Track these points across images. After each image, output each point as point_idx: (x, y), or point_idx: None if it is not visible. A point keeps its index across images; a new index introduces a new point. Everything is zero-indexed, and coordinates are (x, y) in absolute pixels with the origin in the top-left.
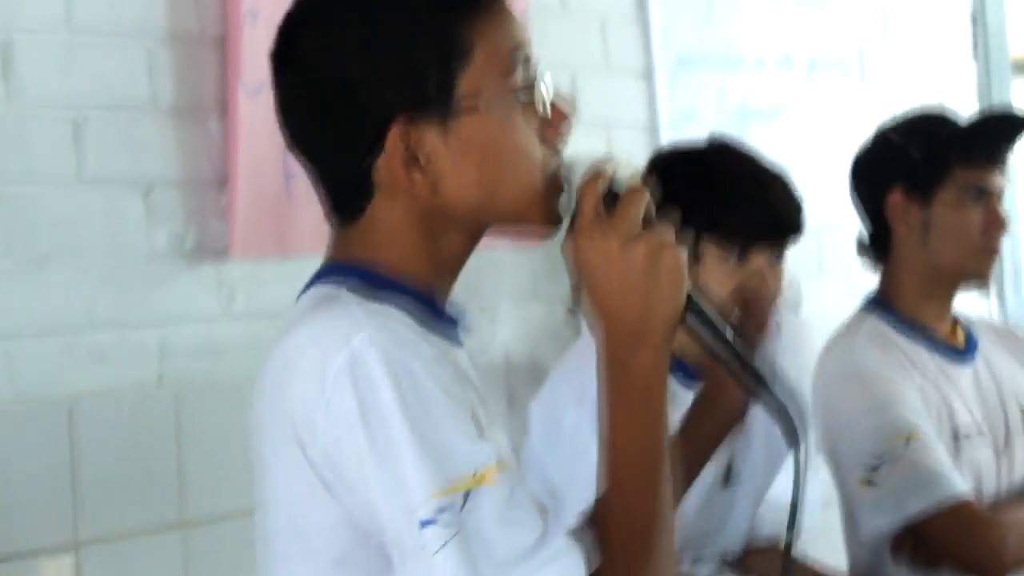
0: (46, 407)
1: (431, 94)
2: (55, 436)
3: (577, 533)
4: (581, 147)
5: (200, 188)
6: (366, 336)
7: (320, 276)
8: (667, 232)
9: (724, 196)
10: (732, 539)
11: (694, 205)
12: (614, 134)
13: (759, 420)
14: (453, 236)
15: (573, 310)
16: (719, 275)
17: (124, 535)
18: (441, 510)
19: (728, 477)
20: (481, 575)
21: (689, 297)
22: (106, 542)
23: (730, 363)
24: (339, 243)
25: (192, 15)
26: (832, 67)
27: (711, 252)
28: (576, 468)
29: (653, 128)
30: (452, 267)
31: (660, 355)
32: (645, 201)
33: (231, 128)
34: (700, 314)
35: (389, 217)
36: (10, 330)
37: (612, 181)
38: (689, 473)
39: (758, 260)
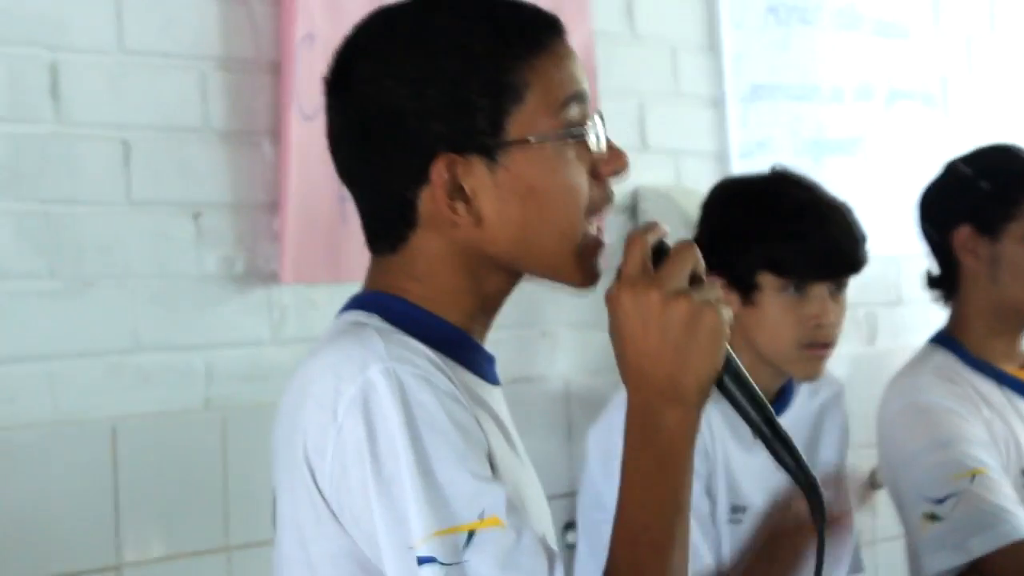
0: (89, 428)
1: (481, 128)
2: (98, 458)
3: None
4: (649, 177)
5: (251, 212)
6: (382, 367)
7: (354, 303)
8: (712, 292)
9: (782, 229)
10: None
11: (752, 237)
12: (683, 163)
13: (825, 459)
14: (493, 276)
15: None
16: (777, 307)
17: (167, 558)
18: (441, 549)
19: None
20: None
21: (728, 360)
22: (148, 565)
23: (762, 430)
24: (378, 271)
25: (247, 39)
26: (914, 98)
27: (769, 283)
28: None
29: (723, 157)
30: (490, 306)
31: (691, 415)
32: (694, 260)
33: (284, 152)
34: (737, 378)
35: (430, 249)
36: (54, 351)
37: (662, 237)
38: None
39: (818, 291)
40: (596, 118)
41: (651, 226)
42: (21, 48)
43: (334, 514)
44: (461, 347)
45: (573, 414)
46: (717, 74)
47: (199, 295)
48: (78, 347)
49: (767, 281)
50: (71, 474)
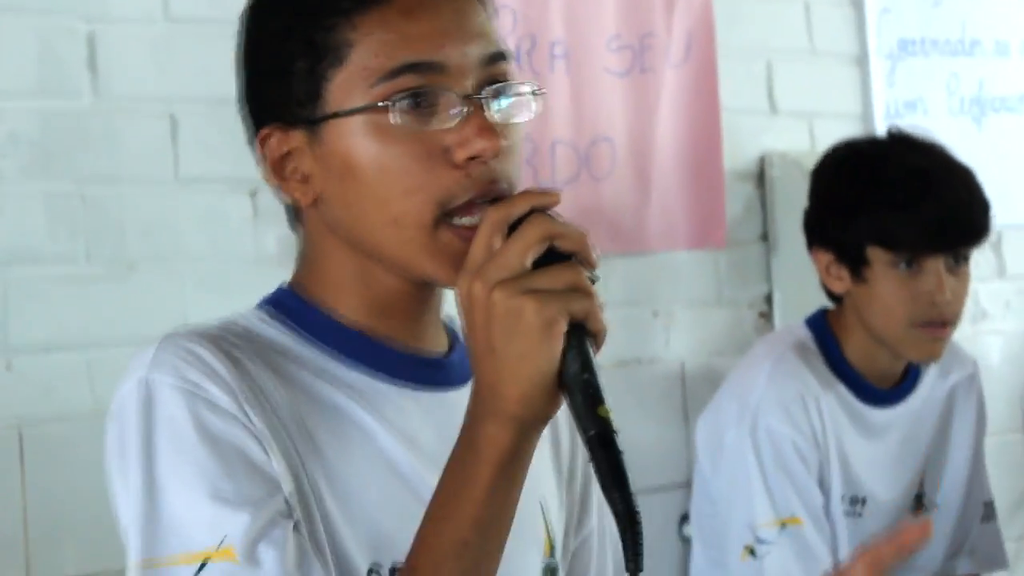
0: None
1: (299, 96)
2: None
3: None
4: (778, 141)
5: None
6: (137, 378)
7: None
8: (559, 277)
9: (890, 197)
10: (927, 565)
11: (858, 208)
12: (819, 125)
13: (959, 445)
14: (374, 266)
15: (767, 314)
16: (889, 284)
17: None
18: None
19: (920, 502)
20: None
21: (575, 365)
22: None
23: (595, 451)
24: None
25: None
26: None
27: (878, 258)
28: (735, 489)
29: (867, 119)
30: (394, 305)
31: (507, 433)
32: (539, 237)
33: None
34: (580, 384)
35: (310, 235)
36: (93, 339)
37: (529, 210)
38: None
39: (932, 265)
40: (445, 94)
41: (518, 196)
42: (54, 18)
43: None
44: (350, 346)
45: (690, 398)
46: (859, 29)
47: (256, 277)
48: (119, 335)
49: (877, 255)
50: None
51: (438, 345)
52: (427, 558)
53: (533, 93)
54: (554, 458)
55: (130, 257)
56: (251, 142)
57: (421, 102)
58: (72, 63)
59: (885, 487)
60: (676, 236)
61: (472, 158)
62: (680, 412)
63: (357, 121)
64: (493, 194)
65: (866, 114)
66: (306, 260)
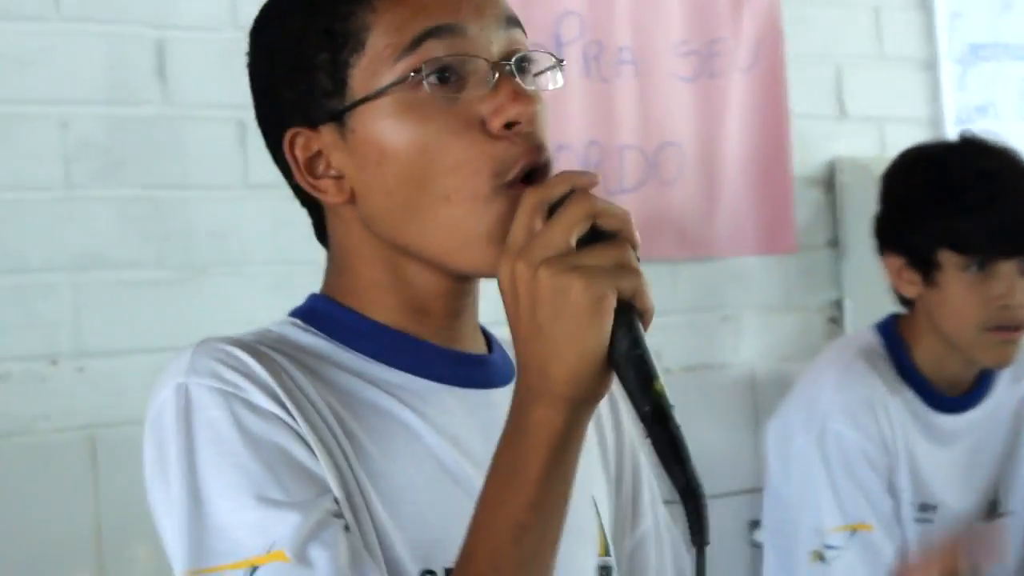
0: None
1: (325, 88)
2: None
3: None
4: (848, 146)
5: None
6: (175, 384)
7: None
8: (604, 256)
9: (960, 200)
10: (1001, 573)
11: (929, 211)
12: (888, 130)
13: None
14: (410, 264)
15: (836, 320)
16: (959, 287)
17: None
18: None
19: (994, 510)
20: None
21: (617, 340)
22: None
23: (651, 427)
24: (326, 268)
25: None
26: None
27: (949, 261)
28: (804, 495)
29: (937, 124)
30: (430, 304)
31: (557, 414)
32: (584, 213)
33: None
34: (631, 361)
35: (341, 238)
36: (164, 342)
37: (569, 190)
38: None
39: (1005, 269)
40: (472, 58)
41: (557, 177)
42: (123, 27)
43: None
44: (388, 346)
45: (760, 404)
46: (928, 34)
47: (321, 282)
48: (189, 338)
49: (947, 259)
50: None
51: (477, 346)
52: (484, 544)
53: (557, 63)
54: (602, 458)
55: (200, 261)
56: (273, 149)
57: (449, 73)
58: (141, 71)
59: (956, 495)
60: (745, 241)
61: (509, 125)
62: (750, 417)
63: (386, 102)
64: (541, 162)
65: (936, 119)
66: (336, 266)
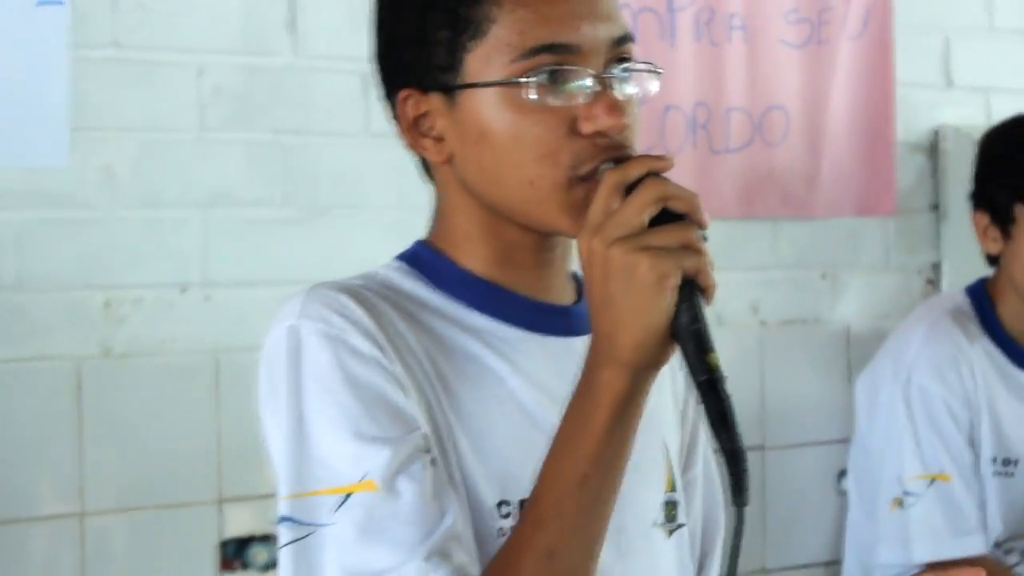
0: None
1: (440, 63)
2: None
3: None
4: (953, 115)
5: None
6: (287, 326)
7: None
8: (670, 236)
9: None
10: None
11: (1007, 170)
12: (994, 100)
13: None
14: (502, 220)
15: (934, 281)
16: None
17: None
18: (297, 511)
19: None
20: None
21: (680, 313)
22: None
23: (705, 395)
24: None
25: None
26: None
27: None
28: (887, 444)
29: None
30: (520, 257)
31: (623, 377)
32: (655, 198)
33: None
34: (691, 334)
35: (443, 189)
36: (285, 276)
37: (645, 173)
38: None
39: None
40: (580, 74)
41: (635, 160)
42: None
43: None
44: (479, 294)
45: (854, 359)
46: None
47: None
48: (309, 273)
49: (1021, 213)
50: None
51: (564, 296)
52: (550, 491)
53: (654, 72)
54: (674, 404)
55: (322, 203)
56: (385, 99)
57: (557, 79)
58: (274, 24)
59: None
60: (846, 203)
61: (598, 132)
62: (844, 371)
63: (494, 92)
64: (617, 155)
65: None
66: (439, 215)
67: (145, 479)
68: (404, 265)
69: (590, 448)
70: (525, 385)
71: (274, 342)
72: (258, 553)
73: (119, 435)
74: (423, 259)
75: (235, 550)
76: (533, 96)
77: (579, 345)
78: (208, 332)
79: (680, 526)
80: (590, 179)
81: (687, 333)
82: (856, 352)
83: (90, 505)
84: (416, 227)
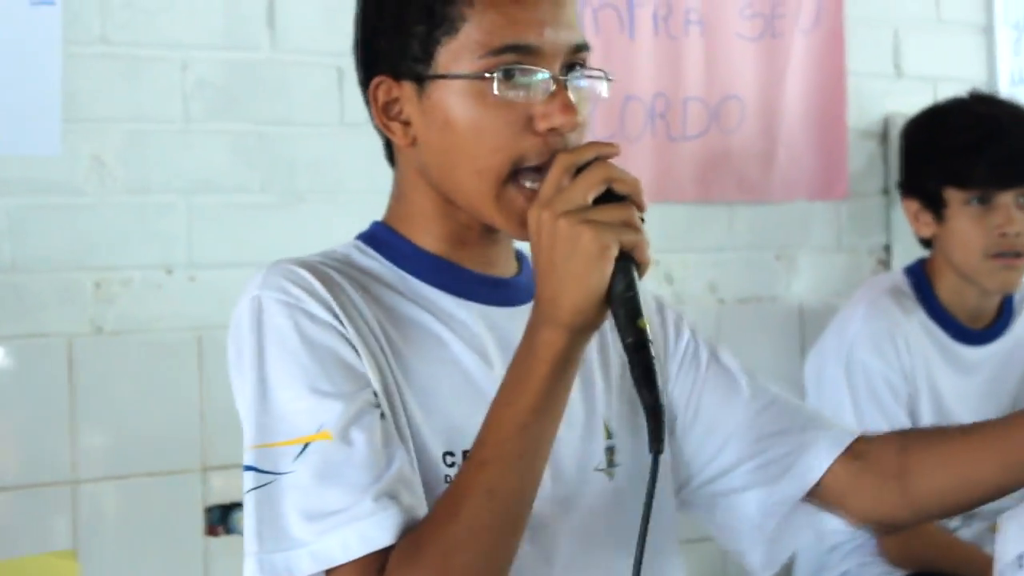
0: None
1: (415, 54)
2: None
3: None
4: (903, 103)
5: None
6: (251, 296)
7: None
8: (612, 214)
9: (959, 141)
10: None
11: (934, 154)
12: (943, 91)
13: None
14: (454, 207)
15: (884, 262)
16: (964, 220)
17: None
18: (260, 460)
19: None
20: (271, 522)
21: (615, 283)
22: None
23: (632, 355)
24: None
25: None
26: None
27: (954, 198)
28: (834, 416)
29: (991, 87)
30: (472, 237)
31: (561, 337)
32: (601, 179)
33: None
34: (623, 300)
35: (403, 169)
36: (265, 258)
37: (594, 157)
38: None
39: (1003, 200)
40: (540, 73)
41: (586, 145)
42: None
43: None
44: (428, 268)
45: (808, 335)
46: (986, 0)
47: None
48: (288, 255)
49: (952, 196)
50: None
51: (507, 269)
52: (493, 436)
53: (605, 78)
54: (601, 361)
55: (299, 189)
56: (362, 84)
57: (518, 77)
58: (253, 20)
59: (975, 420)
60: (800, 187)
61: (552, 129)
62: (798, 347)
63: (461, 84)
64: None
65: (991, 82)
66: (397, 196)
67: (133, 448)
68: (361, 244)
69: (530, 399)
70: (466, 348)
71: (239, 312)
72: (242, 519)
73: (109, 407)
74: (379, 237)
75: (220, 516)
76: (496, 91)
77: (519, 314)
78: (193, 311)
79: (618, 466)
80: (527, 178)
81: (621, 299)
82: (809, 329)
83: (82, 473)
84: (384, 211)
